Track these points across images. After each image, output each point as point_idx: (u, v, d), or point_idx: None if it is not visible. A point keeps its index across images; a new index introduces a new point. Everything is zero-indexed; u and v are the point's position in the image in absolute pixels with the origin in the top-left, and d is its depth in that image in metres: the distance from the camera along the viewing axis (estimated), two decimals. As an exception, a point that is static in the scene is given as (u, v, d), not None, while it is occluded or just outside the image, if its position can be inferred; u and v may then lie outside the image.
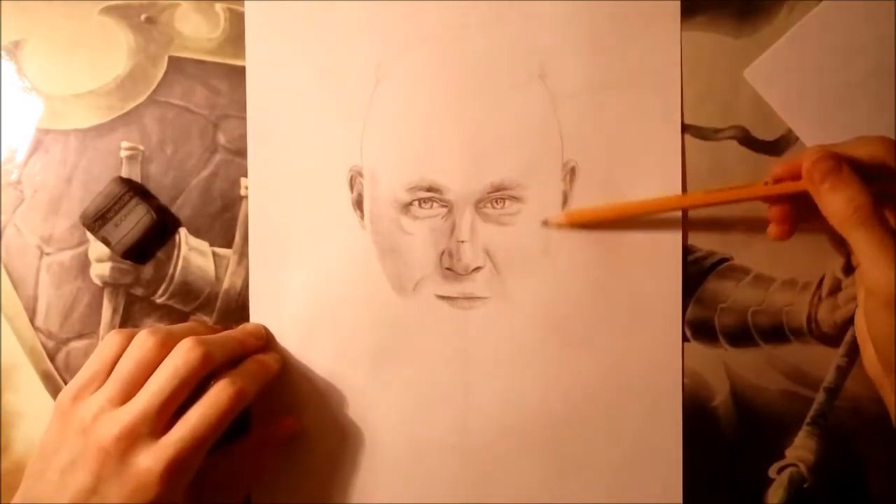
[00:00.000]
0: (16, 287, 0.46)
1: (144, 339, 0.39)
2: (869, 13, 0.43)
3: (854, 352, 0.44)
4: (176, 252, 0.46)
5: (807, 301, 0.44)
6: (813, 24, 0.44)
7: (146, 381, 0.38)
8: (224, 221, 0.46)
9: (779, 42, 0.44)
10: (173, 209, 0.46)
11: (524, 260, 0.44)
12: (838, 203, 0.37)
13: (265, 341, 0.45)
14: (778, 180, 0.40)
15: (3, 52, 0.46)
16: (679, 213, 0.44)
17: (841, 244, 0.43)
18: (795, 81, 0.44)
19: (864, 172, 0.37)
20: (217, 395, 0.39)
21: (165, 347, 0.39)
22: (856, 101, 0.43)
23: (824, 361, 0.44)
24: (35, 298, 0.46)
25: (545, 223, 0.44)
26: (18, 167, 0.46)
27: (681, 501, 0.44)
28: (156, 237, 0.45)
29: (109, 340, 0.40)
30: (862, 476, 0.44)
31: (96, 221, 0.44)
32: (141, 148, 0.46)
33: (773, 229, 0.42)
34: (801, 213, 0.41)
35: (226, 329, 0.44)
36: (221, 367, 0.40)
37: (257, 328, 0.45)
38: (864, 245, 0.36)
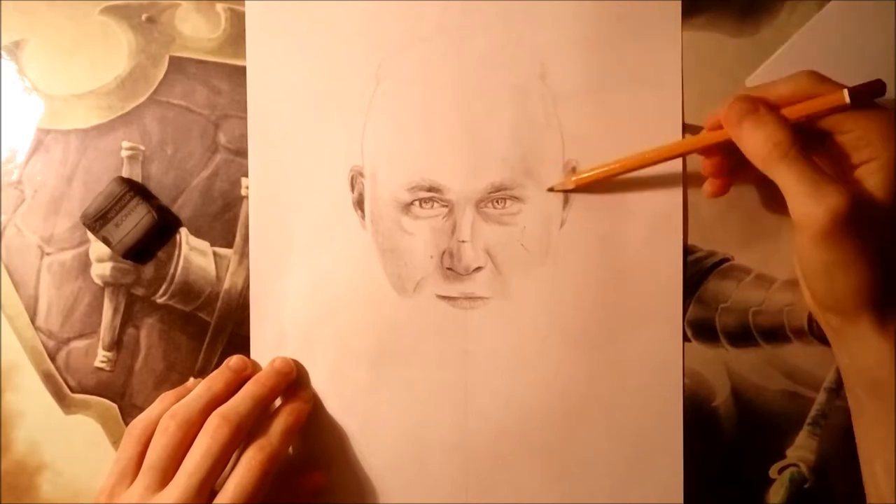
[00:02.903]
0: (16, 287, 0.46)
1: (167, 425, 0.40)
2: (870, 19, 0.43)
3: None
4: (176, 252, 0.46)
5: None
6: (814, 31, 0.44)
7: (179, 463, 0.39)
8: (225, 221, 0.46)
9: (781, 49, 0.44)
10: (174, 209, 0.46)
11: (525, 260, 0.44)
12: (757, 142, 0.36)
13: (294, 375, 0.44)
14: (712, 128, 0.40)
15: (3, 53, 0.46)
16: (680, 213, 0.44)
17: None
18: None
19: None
20: (250, 463, 0.39)
21: (190, 426, 0.40)
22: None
23: (825, 361, 0.44)
24: (36, 298, 0.46)
25: (551, 189, 0.44)
26: (19, 167, 0.46)
27: (681, 501, 0.44)
28: (156, 237, 0.45)
29: (131, 432, 0.41)
30: (862, 476, 0.44)
31: (97, 221, 0.44)
32: (142, 148, 0.46)
33: (707, 186, 0.42)
34: (734, 165, 0.41)
35: (234, 368, 0.44)
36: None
37: (285, 364, 0.44)
38: (787, 181, 0.35)
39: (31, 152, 0.46)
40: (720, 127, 0.39)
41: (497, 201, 0.44)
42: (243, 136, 0.45)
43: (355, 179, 0.45)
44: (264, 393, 0.42)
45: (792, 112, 0.37)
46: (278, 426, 0.42)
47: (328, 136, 0.45)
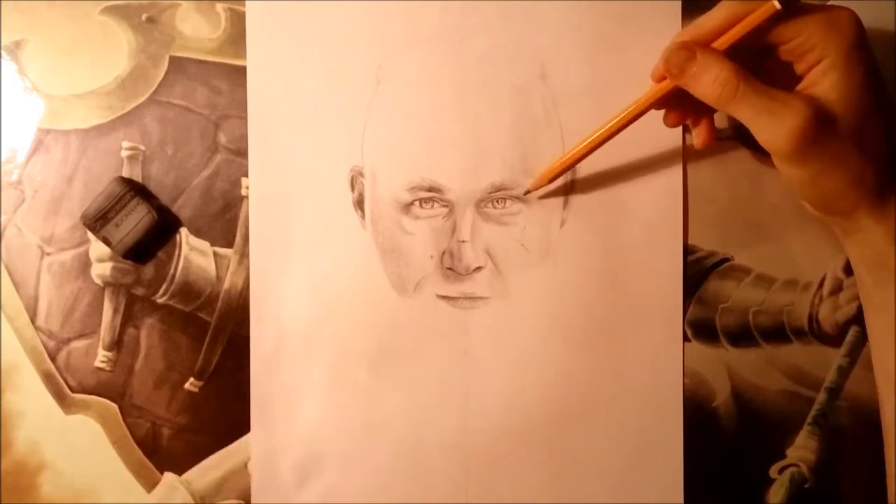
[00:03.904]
0: (17, 287, 0.46)
1: None
2: (870, 19, 0.43)
3: (856, 352, 0.44)
4: (177, 252, 0.46)
5: (808, 301, 0.44)
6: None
7: None
8: (225, 221, 0.46)
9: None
10: (174, 209, 0.46)
11: (525, 260, 0.44)
12: (705, 87, 0.36)
13: None
14: (659, 80, 0.40)
15: (3, 53, 0.46)
16: (680, 213, 0.44)
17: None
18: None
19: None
20: None
21: None
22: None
23: (825, 361, 0.44)
24: (36, 298, 0.46)
25: (527, 192, 0.44)
26: (19, 167, 0.46)
27: (681, 501, 0.44)
28: (157, 237, 0.45)
29: None
30: (862, 476, 0.44)
31: (97, 221, 0.44)
32: (142, 148, 0.46)
33: (695, 140, 0.42)
34: (698, 107, 0.40)
35: None
36: None
37: None
38: (744, 114, 0.36)
39: (31, 152, 0.46)
40: (666, 77, 0.39)
41: (497, 201, 0.44)
42: (243, 136, 0.45)
43: (355, 179, 0.45)
44: None
45: (728, 38, 0.37)
46: None
47: (328, 136, 0.45)
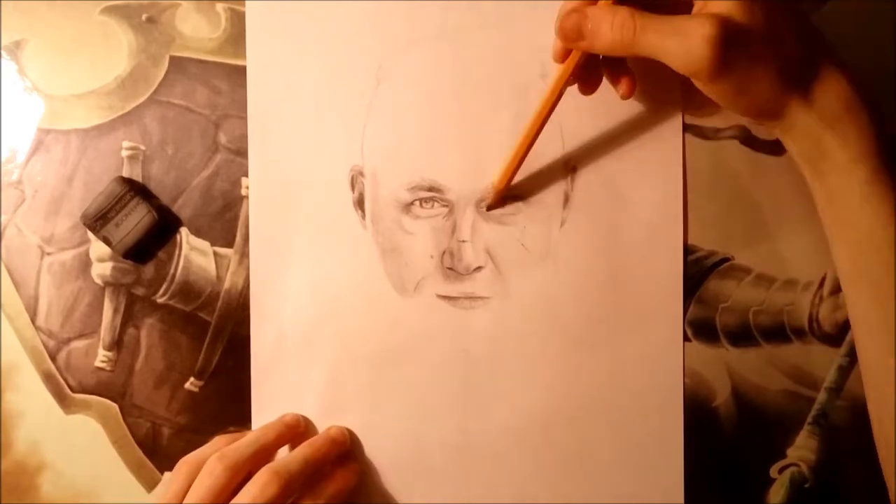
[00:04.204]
0: (17, 287, 0.46)
1: (213, 466, 0.39)
2: (869, 18, 0.43)
3: (856, 352, 0.44)
4: (177, 252, 0.46)
5: (808, 301, 0.44)
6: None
7: None
8: (225, 221, 0.46)
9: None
10: (174, 209, 0.46)
11: (525, 260, 0.44)
12: (605, 39, 0.36)
13: (348, 445, 0.44)
14: (564, 58, 0.40)
15: (4, 53, 0.46)
16: (680, 213, 0.44)
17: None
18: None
19: None
20: None
21: (236, 472, 0.39)
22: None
23: (826, 361, 0.44)
24: (36, 298, 0.46)
25: (489, 209, 0.44)
26: (19, 167, 0.46)
27: (682, 501, 0.44)
28: (157, 237, 0.45)
29: (179, 468, 0.41)
30: (863, 476, 0.44)
31: (97, 221, 0.44)
32: (142, 148, 0.46)
33: (619, 90, 0.41)
34: (612, 65, 0.41)
35: (294, 426, 0.44)
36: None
37: (340, 433, 0.44)
38: (652, 46, 0.36)
39: (31, 152, 0.46)
40: (569, 52, 0.39)
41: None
42: (243, 136, 0.45)
43: (355, 179, 0.45)
44: (316, 457, 0.42)
45: None
46: (325, 492, 0.42)
47: (328, 136, 0.45)
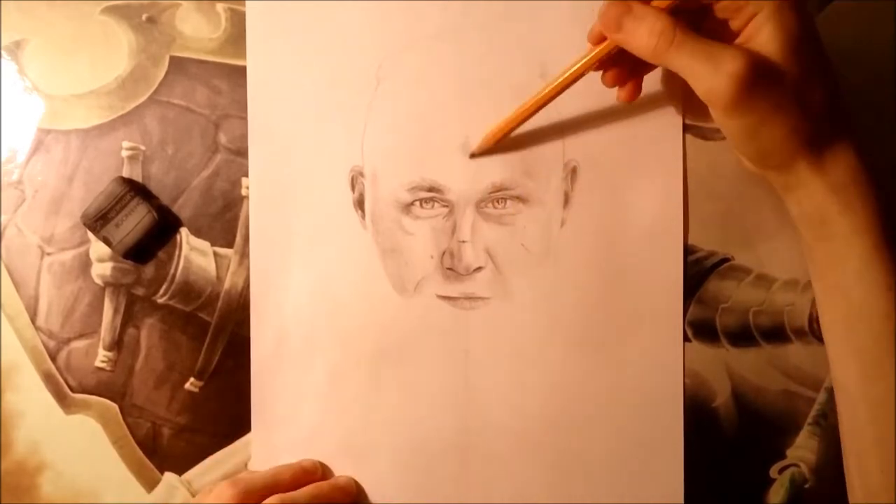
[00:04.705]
0: (17, 287, 0.46)
1: (223, 490, 0.40)
2: (870, 20, 0.43)
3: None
4: (177, 252, 0.46)
5: (808, 301, 0.44)
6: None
7: None
8: (225, 221, 0.46)
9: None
10: (174, 209, 0.46)
11: (525, 260, 0.44)
12: (641, 39, 0.36)
13: (353, 498, 0.45)
14: (598, 42, 0.39)
15: (4, 53, 0.46)
16: (680, 213, 0.44)
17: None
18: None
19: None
20: None
21: (246, 497, 0.40)
22: (857, 107, 0.43)
23: (825, 361, 0.44)
24: (36, 298, 0.46)
25: (473, 156, 0.44)
26: (20, 167, 0.46)
27: (682, 501, 0.44)
28: (157, 237, 0.45)
29: (202, 489, 0.42)
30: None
31: (97, 221, 0.44)
32: (142, 148, 0.46)
33: (620, 94, 0.42)
34: (633, 68, 0.40)
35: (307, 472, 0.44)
36: None
37: (349, 484, 0.45)
38: (681, 63, 0.35)
39: (31, 152, 0.46)
40: (604, 39, 0.39)
41: (497, 201, 0.44)
42: (243, 136, 0.45)
43: (356, 179, 0.45)
44: (323, 500, 0.43)
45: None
46: None
47: (328, 136, 0.45)
